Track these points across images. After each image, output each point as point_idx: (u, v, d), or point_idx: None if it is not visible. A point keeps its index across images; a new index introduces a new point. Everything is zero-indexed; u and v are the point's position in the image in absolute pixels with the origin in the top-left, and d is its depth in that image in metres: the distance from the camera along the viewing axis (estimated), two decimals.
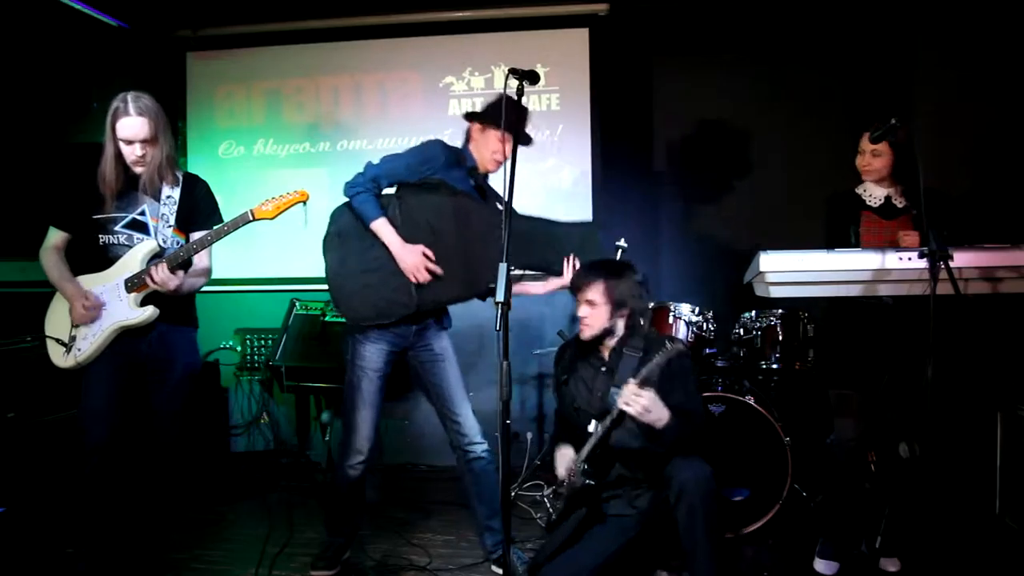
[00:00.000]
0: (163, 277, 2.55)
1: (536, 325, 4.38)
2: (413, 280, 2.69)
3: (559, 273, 2.82)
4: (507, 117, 2.53)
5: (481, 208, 2.80)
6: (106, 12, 4.37)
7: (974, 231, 2.78)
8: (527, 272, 3.05)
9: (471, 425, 2.87)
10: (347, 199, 2.74)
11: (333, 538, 2.93)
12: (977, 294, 2.57)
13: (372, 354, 2.78)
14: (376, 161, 2.77)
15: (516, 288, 2.74)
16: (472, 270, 2.73)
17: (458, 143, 2.93)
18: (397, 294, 2.70)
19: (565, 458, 2.59)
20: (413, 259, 2.67)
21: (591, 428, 2.48)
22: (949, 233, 2.41)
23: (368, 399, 2.79)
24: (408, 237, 2.70)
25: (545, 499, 2.70)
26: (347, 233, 2.74)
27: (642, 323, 2.64)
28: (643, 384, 2.30)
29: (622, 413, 2.35)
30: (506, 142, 2.71)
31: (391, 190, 2.80)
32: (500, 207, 2.86)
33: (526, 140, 2.83)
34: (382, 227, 2.67)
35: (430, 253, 2.69)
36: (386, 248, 2.69)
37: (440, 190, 2.75)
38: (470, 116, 2.88)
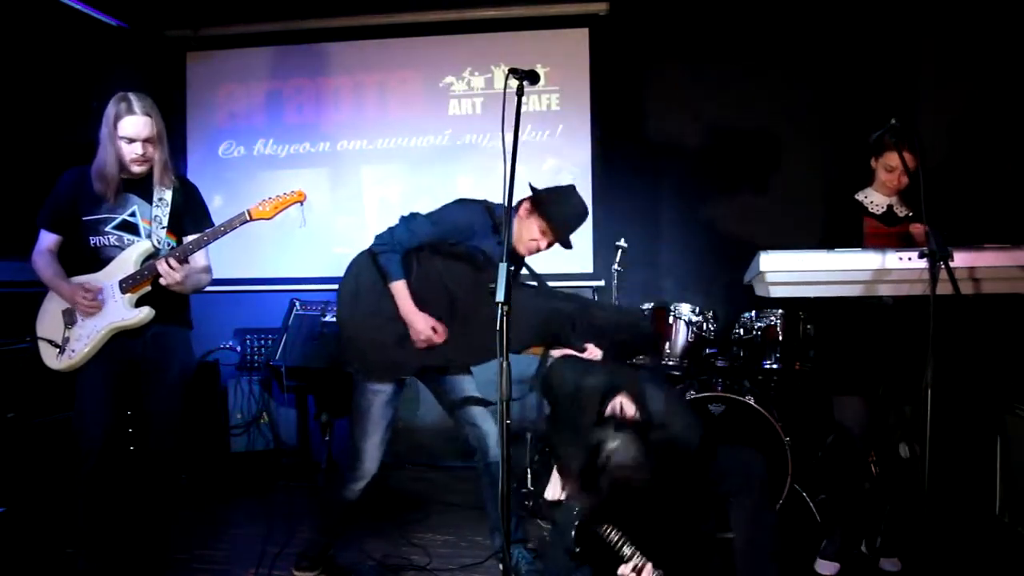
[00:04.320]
0: (167, 268, 2.54)
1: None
2: (419, 344, 2.67)
3: (577, 350, 2.69)
4: (569, 220, 2.67)
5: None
6: (105, 12, 4.37)
7: (974, 231, 2.78)
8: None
9: (490, 428, 2.87)
10: (373, 252, 2.71)
11: (320, 538, 2.94)
12: (977, 294, 2.57)
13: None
14: (408, 212, 2.75)
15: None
16: (476, 343, 2.68)
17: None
18: (401, 355, 2.69)
19: (565, 488, 2.46)
20: (422, 327, 2.64)
21: None
22: (949, 232, 2.40)
23: (377, 423, 2.77)
24: (421, 295, 2.67)
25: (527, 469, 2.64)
26: (364, 283, 2.73)
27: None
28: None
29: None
30: (548, 237, 2.74)
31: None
32: (542, 286, 2.85)
33: (567, 244, 2.79)
34: (399, 289, 2.65)
35: (440, 327, 2.67)
36: (397, 308, 2.67)
37: (466, 261, 2.72)
38: (532, 190, 2.81)
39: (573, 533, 2.29)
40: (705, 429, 2.35)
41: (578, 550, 2.29)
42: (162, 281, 2.58)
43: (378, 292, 2.70)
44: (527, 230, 2.76)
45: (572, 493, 2.34)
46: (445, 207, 2.80)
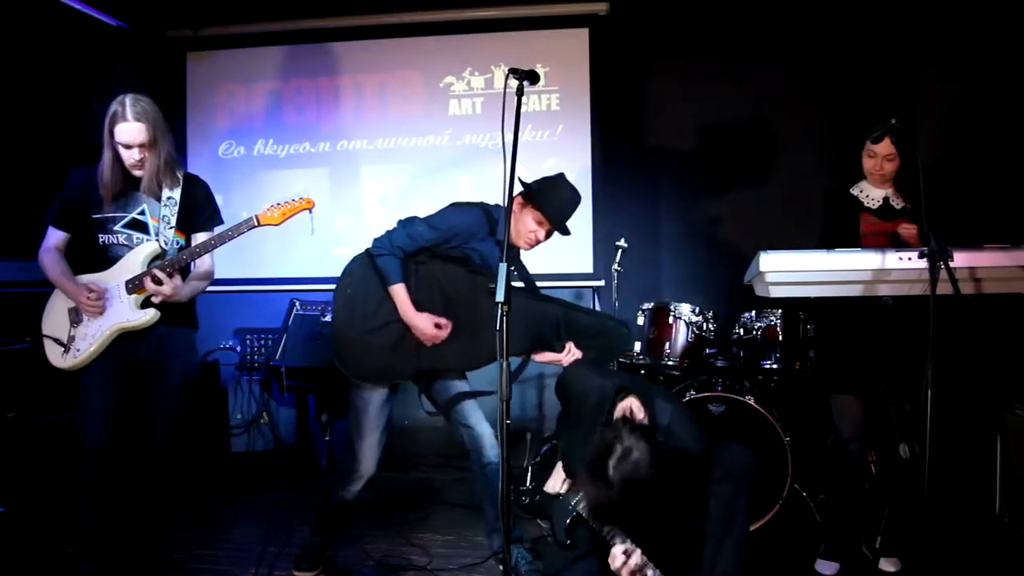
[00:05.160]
0: (157, 286, 2.55)
1: None
2: (427, 342, 2.67)
3: (557, 351, 2.74)
4: (560, 210, 2.68)
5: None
6: (106, 12, 4.37)
7: (974, 231, 2.79)
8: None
9: (485, 430, 2.86)
10: (371, 255, 2.72)
11: (318, 538, 2.95)
12: (977, 294, 2.57)
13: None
14: (405, 215, 2.76)
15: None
16: (473, 347, 2.71)
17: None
18: (396, 359, 2.70)
19: (570, 482, 2.50)
20: (425, 326, 2.65)
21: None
22: (949, 232, 2.41)
23: (374, 423, 2.78)
24: (418, 299, 2.68)
25: (529, 466, 2.68)
26: (359, 287, 2.73)
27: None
28: (635, 570, 2.18)
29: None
30: (544, 228, 2.75)
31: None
32: (532, 291, 2.84)
33: (565, 231, 2.78)
34: (399, 292, 2.66)
35: (443, 322, 2.67)
36: (396, 311, 2.67)
37: (462, 263, 2.74)
38: (523, 184, 2.78)
39: (567, 524, 2.36)
40: (708, 439, 2.38)
41: (568, 542, 2.37)
42: (154, 299, 2.59)
43: (374, 296, 2.70)
44: (523, 224, 2.76)
45: (579, 486, 2.37)
46: (443, 211, 2.79)
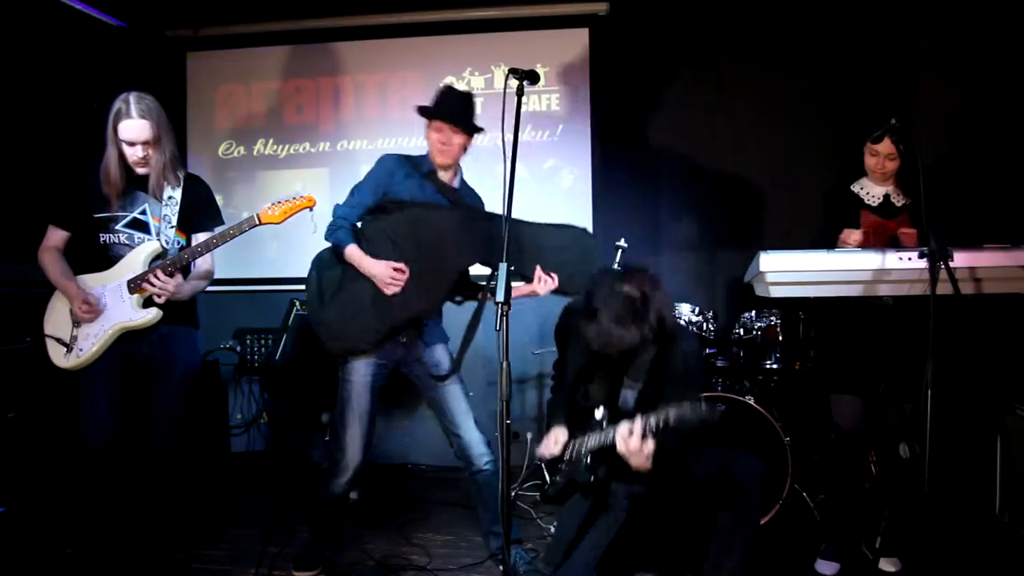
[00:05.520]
0: (160, 284, 2.56)
1: (535, 325, 4.38)
2: (386, 291, 2.70)
3: (528, 279, 2.78)
4: (442, 106, 2.75)
5: (436, 213, 2.81)
6: (106, 12, 4.36)
7: (974, 231, 2.79)
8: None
9: (474, 438, 2.87)
10: (326, 240, 2.80)
11: (316, 538, 2.97)
12: (977, 294, 2.57)
13: (361, 368, 2.80)
14: (345, 197, 2.85)
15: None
16: (432, 278, 2.75)
17: None
18: (370, 320, 2.74)
19: (560, 439, 2.54)
20: (384, 272, 2.70)
21: (598, 415, 2.46)
22: (949, 232, 2.41)
23: (359, 414, 2.80)
24: (373, 255, 2.73)
25: (541, 464, 2.69)
26: (325, 274, 2.81)
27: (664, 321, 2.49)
28: (644, 432, 2.26)
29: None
30: (444, 131, 2.79)
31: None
32: (469, 207, 2.91)
33: (467, 128, 2.83)
34: (352, 252, 2.73)
35: (400, 265, 2.71)
36: (360, 279, 2.72)
37: (393, 208, 2.79)
38: (419, 109, 2.90)
39: (586, 464, 2.44)
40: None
41: (592, 479, 2.45)
42: (157, 299, 2.59)
43: (337, 274, 2.78)
44: (431, 139, 2.85)
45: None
46: (368, 172, 2.89)
